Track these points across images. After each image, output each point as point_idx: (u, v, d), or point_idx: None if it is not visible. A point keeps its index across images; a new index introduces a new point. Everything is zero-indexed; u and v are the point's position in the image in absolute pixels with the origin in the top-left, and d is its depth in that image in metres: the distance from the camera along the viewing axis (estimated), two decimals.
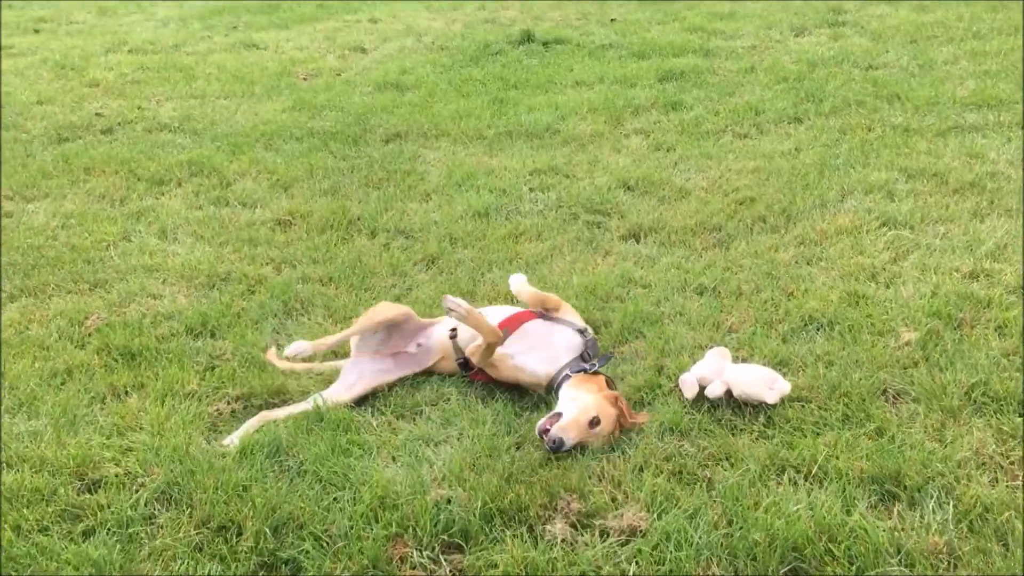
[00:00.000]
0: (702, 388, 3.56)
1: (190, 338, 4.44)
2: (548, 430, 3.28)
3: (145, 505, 3.23)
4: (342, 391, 3.85)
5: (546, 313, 3.95)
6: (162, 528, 3.13)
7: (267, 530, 3.04)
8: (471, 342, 3.79)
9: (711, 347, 3.78)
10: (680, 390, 3.62)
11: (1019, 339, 3.78)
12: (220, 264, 5.23)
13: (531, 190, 6.13)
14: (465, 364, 3.88)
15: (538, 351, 3.74)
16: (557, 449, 3.25)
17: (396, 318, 4.03)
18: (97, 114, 8.40)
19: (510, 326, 3.82)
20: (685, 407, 3.58)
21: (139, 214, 6.00)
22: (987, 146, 6.10)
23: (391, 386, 3.91)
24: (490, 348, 3.68)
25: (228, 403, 3.89)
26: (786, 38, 9.98)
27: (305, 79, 9.70)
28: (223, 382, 4.01)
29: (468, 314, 3.62)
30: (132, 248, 5.47)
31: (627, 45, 10.06)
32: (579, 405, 3.37)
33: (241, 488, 3.25)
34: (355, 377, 3.93)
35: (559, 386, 3.60)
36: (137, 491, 3.30)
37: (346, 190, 6.33)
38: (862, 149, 6.28)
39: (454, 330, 3.92)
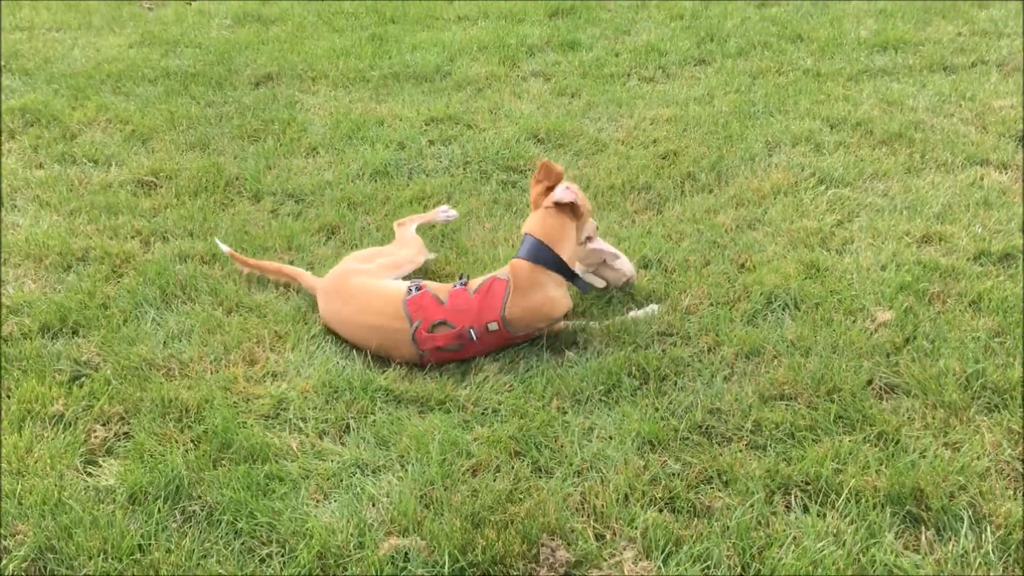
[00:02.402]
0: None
1: (47, 339, 3.64)
2: None
3: None
4: None
5: None
6: None
7: None
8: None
9: None
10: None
11: (998, 316, 3.50)
12: (74, 239, 4.39)
13: (431, 143, 5.49)
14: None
15: None
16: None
17: None
18: None
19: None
20: (657, 410, 3.12)
21: None
22: (902, 92, 5.85)
23: None
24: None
25: (105, 425, 3.17)
26: None
27: (150, 8, 8.60)
28: (95, 397, 3.27)
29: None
30: None
31: None
32: None
33: (137, 549, 2.59)
34: None
35: None
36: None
37: (217, 143, 5.51)
38: (778, 95, 5.93)
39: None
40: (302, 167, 5.19)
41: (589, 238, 3.68)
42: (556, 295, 3.48)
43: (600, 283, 3.85)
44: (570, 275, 3.53)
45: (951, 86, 5.88)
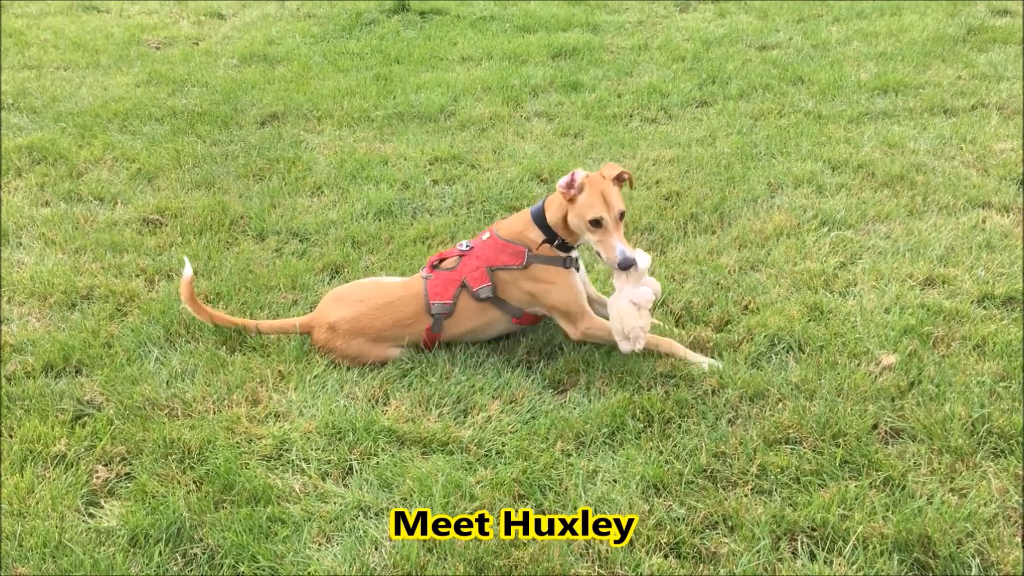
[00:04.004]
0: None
1: (50, 377, 3.64)
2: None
3: None
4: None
5: None
6: None
7: None
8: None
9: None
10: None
11: (1003, 360, 3.49)
12: (79, 277, 4.40)
13: (435, 182, 5.52)
14: None
15: None
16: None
17: None
18: None
19: None
20: (662, 453, 3.11)
21: None
22: (903, 135, 5.90)
23: None
24: None
25: (107, 465, 3.16)
26: (671, 13, 9.68)
27: (158, 48, 8.69)
28: (98, 437, 3.26)
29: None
30: None
31: (510, 17, 9.51)
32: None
33: None
34: None
35: None
36: None
37: (222, 182, 5.54)
38: (779, 137, 5.97)
39: None
40: (307, 206, 5.22)
41: (599, 223, 3.50)
42: (531, 236, 3.67)
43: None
44: (552, 236, 3.65)
45: (952, 129, 5.92)
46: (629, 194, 5.26)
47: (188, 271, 3.82)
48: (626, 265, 3.44)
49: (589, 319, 3.69)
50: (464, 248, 3.81)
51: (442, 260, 3.83)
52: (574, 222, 3.56)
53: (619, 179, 3.62)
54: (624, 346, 3.54)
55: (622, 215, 3.53)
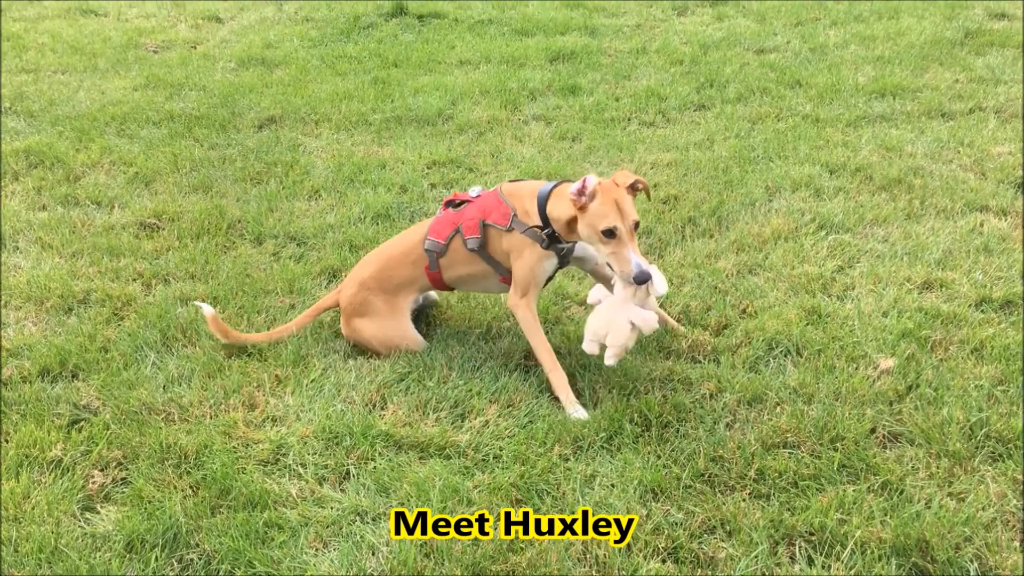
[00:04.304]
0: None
1: (46, 382, 3.63)
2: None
3: None
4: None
5: None
6: None
7: None
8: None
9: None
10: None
11: (1001, 364, 3.49)
12: (76, 281, 4.39)
13: (433, 186, 5.52)
14: None
15: None
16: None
17: None
18: None
19: None
20: (660, 457, 3.10)
21: None
22: (901, 138, 5.90)
23: None
24: None
25: (103, 470, 3.15)
26: (669, 16, 9.67)
27: (155, 52, 8.69)
28: (94, 442, 3.25)
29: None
30: None
31: (508, 21, 9.50)
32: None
33: None
34: None
35: None
36: None
37: (220, 186, 5.53)
38: (777, 141, 5.97)
39: None
40: (304, 210, 5.21)
41: (612, 233, 3.30)
42: (529, 211, 3.56)
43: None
44: (544, 223, 3.52)
45: (949, 132, 5.92)
46: None
47: (208, 310, 3.79)
48: (642, 280, 3.26)
49: (529, 304, 3.59)
50: (473, 195, 3.77)
51: (455, 201, 3.81)
52: (584, 232, 3.38)
53: (633, 188, 3.47)
54: (590, 347, 3.45)
55: (636, 225, 3.36)
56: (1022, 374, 3.41)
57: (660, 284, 3.36)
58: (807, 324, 3.86)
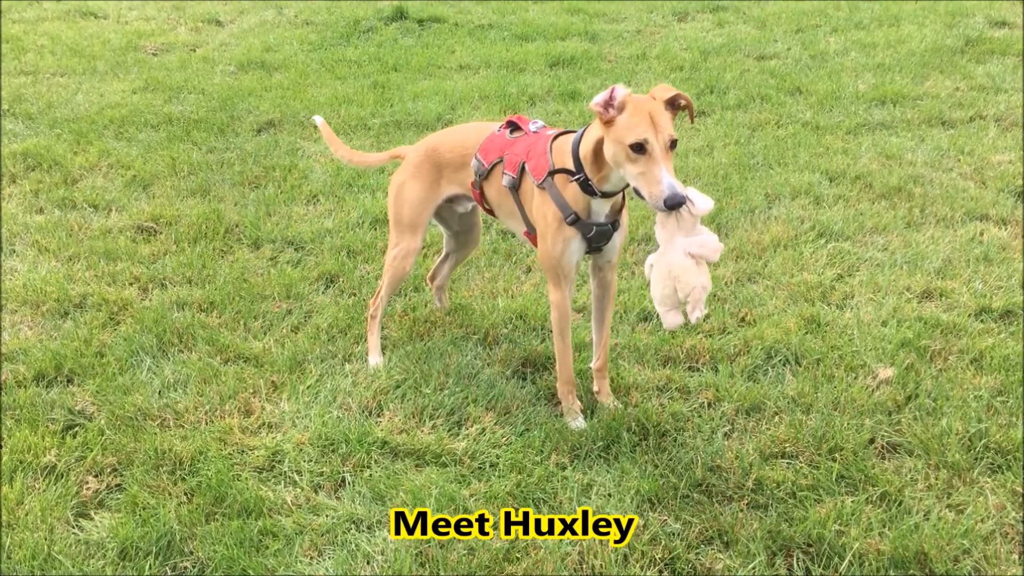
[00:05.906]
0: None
1: (41, 387, 3.61)
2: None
3: None
4: None
5: None
6: None
7: None
8: None
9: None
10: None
11: (1001, 374, 3.48)
12: (72, 285, 4.37)
13: None
14: None
15: None
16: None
17: None
18: None
19: None
20: (657, 466, 3.09)
21: None
22: (901, 146, 5.89)
23: None
24: None
25: (98, 476, 3.13)
26: (669, 23, 9.68)
27: (155, 54, 8.67)
28: (89, 448, 3.23)
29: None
30: None
31: (508, 26, 9.50)
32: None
33: None
34: None
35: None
36: None
37: (218, 190, 5.52)
38: (777, 148, 5.96)
39: None
40: (302, 214, 5.20)
41: (642, 148, 2.75)
42: (566, 163, 3.09)
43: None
44: (578, 168, 3.05)
45: (950, 141, 5.91)
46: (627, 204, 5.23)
47: (319, 119, 4.20)
48: (674, 203, 2.68)
49: (561, 300, 3.26)
50: (531, 129, 3.37)
51: (515, 125, 3.41)
52: (610, 150, 2.83)
53: (673, 104, 2.88)
54: (671, 319, 2.86)
55: (674, 143, 2.77)
56: (1022, 385, 3.40)
57: (701, 201, 2.77)
58: (806, 333, 3.85)
